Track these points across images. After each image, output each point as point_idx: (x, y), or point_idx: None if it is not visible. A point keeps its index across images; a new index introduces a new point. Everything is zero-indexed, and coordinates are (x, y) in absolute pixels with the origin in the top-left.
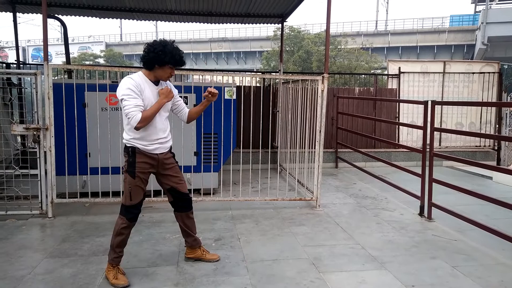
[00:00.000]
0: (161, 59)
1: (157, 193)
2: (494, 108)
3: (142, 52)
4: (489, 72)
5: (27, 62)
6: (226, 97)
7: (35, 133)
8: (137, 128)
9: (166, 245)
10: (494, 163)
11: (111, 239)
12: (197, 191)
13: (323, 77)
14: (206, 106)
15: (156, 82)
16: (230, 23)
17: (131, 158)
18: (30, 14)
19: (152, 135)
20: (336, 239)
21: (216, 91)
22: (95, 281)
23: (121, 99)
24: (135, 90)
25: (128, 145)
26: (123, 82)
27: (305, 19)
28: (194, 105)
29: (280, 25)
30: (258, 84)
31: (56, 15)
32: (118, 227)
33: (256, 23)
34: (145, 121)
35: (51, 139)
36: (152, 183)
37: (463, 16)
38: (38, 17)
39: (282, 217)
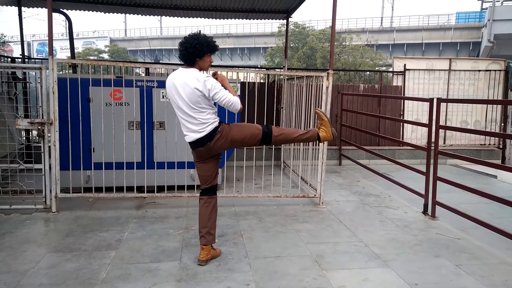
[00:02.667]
0: (200, 50)
1: (160, 189)
2: (499, 106)
3: (145, 48)
4: (495, 70)
5: (32, 57)
6: None
7: (39, 127)
8: (240, 110)
9: (169, 241)
10: (499, 162)
11: (302, 135)
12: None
13: (328, 73)
14: None
15: None
16: (235, 18)
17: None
18: (35, 8)
19: None
20: (339, 237)
21: (219, 74)
22: (98, 275)
23: (216, 92)
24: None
25: (216, 124)
26: (208, 79)
27: (310, 15)
28: None
29: (285, 21)
30: (262, 81)
31: (61, 9)
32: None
33: (261, 19)
34: None
35: (55, 133)
36: (156, 179)
37: (469, 13)
38: (43, 12)
39: (285, 214)
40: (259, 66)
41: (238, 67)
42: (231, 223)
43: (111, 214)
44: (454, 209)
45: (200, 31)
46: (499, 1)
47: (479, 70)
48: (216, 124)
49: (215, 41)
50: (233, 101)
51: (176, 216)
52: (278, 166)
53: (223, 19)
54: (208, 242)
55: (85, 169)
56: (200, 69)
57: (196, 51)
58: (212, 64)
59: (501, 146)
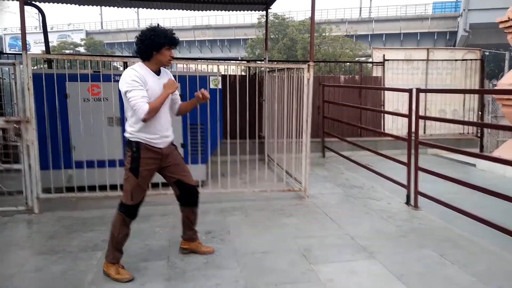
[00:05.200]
0: (156, 42)
1: None
2: (477, 95)
3: (122, 41)
4: (471, 59)
5: (4, 52)
6: (212, 86)
7: (16, 126)
8: (144, 120)
9: (156, 240)
10: (477, 150)
11: (111, 239)
12: None
13: (308, 65)
14: (194, 105)
15: (157, 72)
16: (213, 10)
17: (135, 153)
18: (5, 0)
19: (156, 127)
20: (326, 230)
21: (208, 96)
22: (86, 277)
23: (126, 91)
24: (139, 81)
25: (132, 139)
26: (125, 74)
27: (289, 6)
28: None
29: (264, 12)
30: (243, 73)
31: (33, 2)
32: (119, 225)
33: (240, 10)
34: (153, 112)
35: (33, 132)
36: None
37: (445, 3)
38: (15, 4)
39: (271, 209)
40: (239, 58)
41: (219, 59)
42: (218, 219)
43: (95, 213)
44: (436, 199)
45: (158, 24)
46: None
47: (456, 60)
48: (132, 138)
49: (174, 33)
50: (137, 107)
51: (162, 214)
52: (263, 160)
53: (202, 10)
54: (184, 237)
55: (66, 168)
56: (159, 64)
57: (152, 43)
58: (192, 56)
59: (479, 135)
